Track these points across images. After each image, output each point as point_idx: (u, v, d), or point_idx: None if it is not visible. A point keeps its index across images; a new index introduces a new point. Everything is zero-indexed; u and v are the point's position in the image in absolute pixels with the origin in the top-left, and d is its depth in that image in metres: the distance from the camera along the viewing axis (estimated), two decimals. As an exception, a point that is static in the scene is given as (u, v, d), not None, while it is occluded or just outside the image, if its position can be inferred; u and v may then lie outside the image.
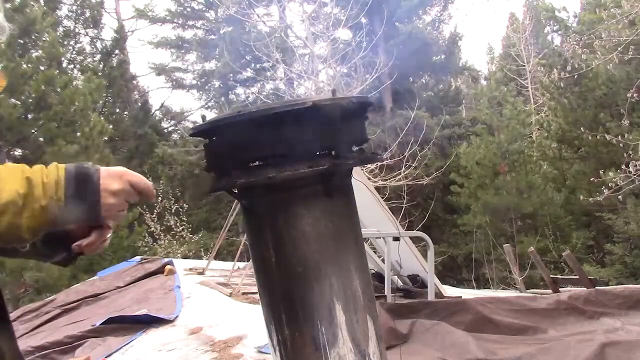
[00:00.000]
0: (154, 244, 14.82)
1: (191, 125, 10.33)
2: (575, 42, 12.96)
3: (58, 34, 15.11)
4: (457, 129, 19.19)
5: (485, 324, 3.84)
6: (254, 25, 18.06)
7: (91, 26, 19.14)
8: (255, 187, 1.22)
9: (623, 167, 10.64)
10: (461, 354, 3.29)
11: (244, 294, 5.61)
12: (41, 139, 10.77)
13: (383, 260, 5.61)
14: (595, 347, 3.13)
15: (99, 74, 15.61)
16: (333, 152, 1.20)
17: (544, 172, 15.47)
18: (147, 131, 19.89)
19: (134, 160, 18.36)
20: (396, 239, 4.83)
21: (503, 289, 12.66)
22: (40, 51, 11.01)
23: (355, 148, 1.29)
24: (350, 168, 1.27)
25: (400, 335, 3.67)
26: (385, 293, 5.00)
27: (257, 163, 1.19)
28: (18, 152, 10.87)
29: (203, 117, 1.31)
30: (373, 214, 5.30)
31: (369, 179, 10.59)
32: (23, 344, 4.72)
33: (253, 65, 20.48)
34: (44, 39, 11.16)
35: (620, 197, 10.91)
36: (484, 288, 13.63)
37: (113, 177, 0.97)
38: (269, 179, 1.14)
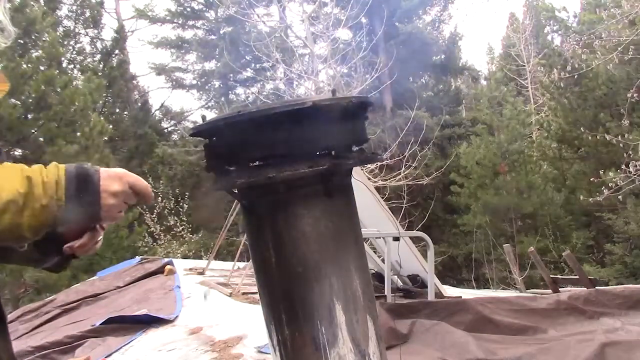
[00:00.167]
0: (154, 244, 14.83)
1: (191, 125, 10.33)
2: (575, 42, 12.97)
3: (58, 34, 15.10)
4: (457, 129, 19.20)
5: (485, 324, 3.84)
6: (254, 25, 18.05)
7: (91, 26, 19.13)
8: (255, 187, 1.21)
9: (623, 167, 10.64)
10: (461, 354, 3.29)
11: (244, 294, 5.61)
12: (41, 139, 10.77)
13: (383, 260, 5.61)
14: (595, 347, 3.13)
15: (99, 74, 15.61)
16: (333, 152, 1.20)
17: (544, 172, 15.47)
18: (147, 131, 19.89)
19: (134, 160, 18.37)
20: (396, 239, 4.83)
21: (503, 289, 12.66)
22: (40, 51, 11.01)
23: (355, 148, 1.28)
24: (350, 168, 1.27)
25: (400, 335, 3.67)
26: (385, 293, 5.00)
27: (257, 163, 1.19)
28: (18, 152, 10.87)
29: (203, 117, 1.31)
30: (373, 214, 5.30)
31: (369, 179, 10.59)
32: (23, 344, 4.73)
33: (253, 65, 20.48)
34: (44, 39, 11.16)
35: (620, 197, 10.92)
36: (484, 288, 13.63)
37: (113, 178, 0.98)
38: (269, 179, 1.14)
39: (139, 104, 21.95)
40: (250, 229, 1.32)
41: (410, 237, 5.83)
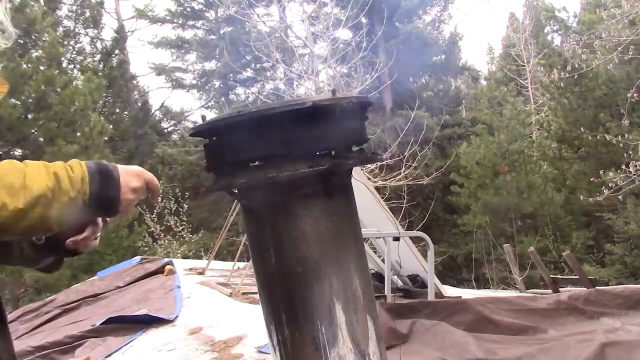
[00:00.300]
0: (154, 244, 14.81)
1: (191, 125, 10.33)
2: (575, 42, 12.97)
3: (58, 34, 15.09)
4: (457, 129, 19.19)
5: (485, 324, 3.84)
6: (254, 25, 18.04)
7: (91, 26, 19.12)
8: (255, 187, 1.21)
9: (623, 167, 10.64)
10: (461, 354, 3.29)
11: (244, 294, 5.61)
12: (41, 139, 10.76)
13: (383, 260, 5.61)
14: (595, 347, 3.12)
15: (99, 74, 15.59)
16: (333, 152, 1.20)
17: (544, 172, 15.47)
18: (147, 131, 19.88)
19: (134, 160, 18.34)
20: (396, 239, 4.83)
21: (503, 289, 12.66)
22: (40, 51, 11.00)
23: (355, 148, 1.28)
24: (350, 168, 1.27)
25: (400, 335, 3.67)
26: (385, 293, 5.00)
27: (257, 163, 1.19)
28: (18, 152, 10.87)
29: (203, 117, 1.31)
30: (373, 214, 5.30)
31: (369, 179, 10.59)
32: (23, 344, 4.73)
33: (253, 65, 20.48)
34: (44, 39, 11.16)
35: (620, 197, 10.92)
36: (484, 288, 13.63)
37: (132, 175, 1.05)
38: (269, 179, 1.14)
39: (139, 104, 21.94)
40: (250, 229, 1.32)
41: (410, 237, 5.83)
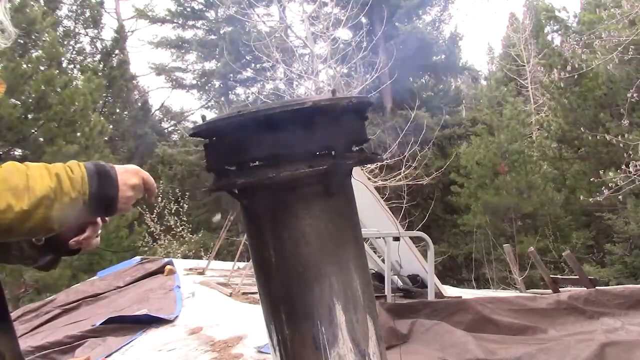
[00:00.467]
0: (154, 244, 14.81)
1: (191, 125, 10.32)
2: (575, 42, 12.96)
3: (58, 34, 15.09)
4: (457, 129, 19.18)
5: (485, 324, 3.84)
6: (254, 25, 18.05)
7: (91, 26, 19.11)
8: (255, 187, 1.21)
9: (623, 167, 10.64)
10: (461, 354, 3.29)
11: (244, 294, 5.62)
12: (41, 139, 10.76)
13: (383, 260, 5.60)
14: (595, 347, 3.12)
15: (99, 74, 15.59)
16: (333, 152, 1.20)
17: (544, 172, 15.47)
18: (147, 131, 19.89)
19: (134, 160, 18.35)
20: (396, 239, 4.83)
21: (503, 289, 12.66)
22: (40, 51, 10.99)
23: (355, 148, 1.28)
24: (350, 168, 1.27)
25: (400, 335, 3.67)
26: (385, 293, 4.99)
27: (257, 163, 1.19)
28: (18, 152, 10.87)
29: (203, 117, 1.31)
30: (373, 214, 5.30)
31: (369, 179, 10.59)
32: (23, 344, 4.71)
33: (253, 65, 20.48)
34: (44, 39, 11.15)
35: (620, 197, 10.91)
36: (484, 288, 13.63)
37: (130, 172, 1.08)
38: (269, 179, 1.14)
39: (139, 104, 21.95)
40: (250, 229, 1.32)
41: (410, 237, 5.83)
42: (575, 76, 12.75)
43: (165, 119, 23.74)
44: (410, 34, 18.73)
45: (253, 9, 14.70)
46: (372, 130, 14.26)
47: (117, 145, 18.66)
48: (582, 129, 12.82)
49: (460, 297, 5.43)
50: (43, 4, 13.34)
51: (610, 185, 10.75)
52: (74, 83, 11.90)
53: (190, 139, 17.14)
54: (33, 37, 11.08)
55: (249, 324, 4.32)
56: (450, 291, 6.29)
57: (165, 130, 22.88)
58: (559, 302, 4.08)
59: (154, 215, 15.04)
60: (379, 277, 5.76)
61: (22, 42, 10.79)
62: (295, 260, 1.21)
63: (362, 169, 6.71)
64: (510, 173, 14.83)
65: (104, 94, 15.68)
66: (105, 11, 20.91)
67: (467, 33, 45.23)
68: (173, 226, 15.22)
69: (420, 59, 18.52)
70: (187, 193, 16.53)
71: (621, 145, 10.72)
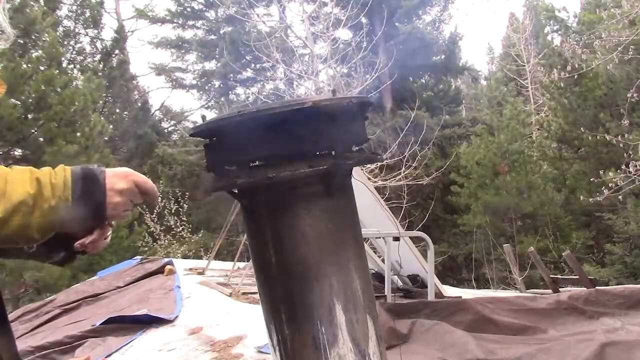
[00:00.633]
0: (154, 244, 14.82)
1: (191, 125, 10.33)
2: (575, 42, 12.96)
3: (58, 34, 15.10)
4: (457, 129, 19.19)
5: (485, 324, 3.84)
6: (254, 25, 18.05)
7: (91, 26, 19.12)
8: (255, 187, 1.21)
9: (623, 167, 10.64)
10: (461, 354, 3.29)
11: (244, 294, 5.62)
12: (41, 139, 10.76)
13: (383, 260, 5.61)
14: (595, 347, 3.12)
15: (99, 74, 15.62)
16: (333, 152, 1.20)
17: (544, 172, 15.48)
18: (147, 131, 19.89)
19: (134, 160, 18.37)
20: (396, 239, 4.83)
21: (503, 289, 12.66)
22: (40, 51, 11.00)
23: (355, 148, 1.28)
24: (350, 168, 1.27)
25: (400, 335, 3.67)
26: (385, 293, 5.00)
27: (257, 163, 1.19)
28: (18, 152, 10.87)
29: (203, 117, 1.31)
30: (373, 214, 5.30)
31: (369, 179, 10.59)
32: (23, 344, 4.72)
33: (253, 65, 20.49)
34: (44, 39, 11.16)
35: (620, 197, 10.91)
36: (484, 288, 13.64)
37: (119, 176, 1.00)
38: (269, 179, 1.14)
39: (139, 104, 21.96)
40: (250, 229, 1.32)
41: (410, 237, 5.83)
42: (575, 76, 12.76)
43: (165, 119, 23.75)
44: (410, 34, 18.73)
45: (253, 9, 14.71)
46: (372, 130, 14.27)
47: (117, 145, 18.67)
48: (582, 129, 12.82)
49: (460, 297, 5.43)
50: (43, 4, 13.34)
51: (610, 185, 10.75)
52: (74, 83, 11.91)
53: (190, 139, 17.15)
54: (33, 37, 11.09)
55: (249, 324, 4.32)
56: (450, 291, 6.30)
57: (165, 130, 22.89)
58: (559, 302, 4.08)
59: (154, 215, 15.06)
60: (379, 277, 5.76)
61: (22, 42, 10.79)
62: (295, 260, 1.21)
63: (362, 169, 6.71)
64: (510, 173, 14.83)
65: (104, 94, 15.69)
66: (105, 11, 20.94)
67: (467, 33, 45.41)
68: (173, 226, 15.24)
69: (420, 59, 18.51)
70: (187, 193, 16.54)
71: (621, 145, 10.72)
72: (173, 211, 15.39)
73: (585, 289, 5.00)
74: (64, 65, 15.00)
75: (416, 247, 5.97)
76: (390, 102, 18.61)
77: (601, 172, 11.20)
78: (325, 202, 1.23)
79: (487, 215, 14.95)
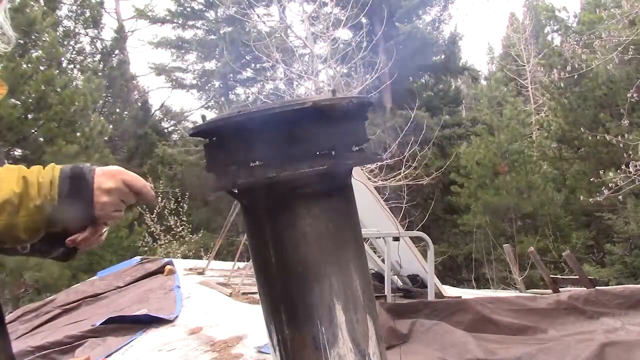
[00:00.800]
0: (154, 244, 14.82)
1: (191, 125, 10.33)
2: (575, 42, 12.95)
3: (58, 34, 15.08)
4: (457, 129, 19.20)
5: (485, 324, 3.84)
6: (254, 25, 18.06)
7: (91, 26, 19.12)
8: (255, 187, 1.21)
9: (623, 167, 10.64)
10: (461, 354, 3.29)
11: (244, 294, 5.62)
12: (41, 139, 10.77)
13: (383, 260, 5.61)
14: (595, 347, 3.12)
15: (99, 74, 15.62)
16: (333, 152, 1.20)
17: (544, 172, 15.48)
18: (147, 131, 19.89)
19: (134, 160, 18.38)
20: (396, 239, 4.83)
21: (503, 289, 12.66)
22: (40, 51, 11.00)
23: (355, 148, 1.28)
24: (350, 168, 1.27)
25: (400, 335, 3.67)
26: (385, 293, 4.99)
27: (257, 163, 1.19)
28: (18, 152, 10.87)
29: (203, 117, 1.31)
30: (373, 214, 5.30)
31: (369, 179, 10.59)
32: (23, 344, 4.73)
33: (253, 65, 20.50)
34: (44, 39, 11.16)
35: (620, 197, 10.91)
36: (484, 288, 13.64)
37: (107, 175, 0.97)
38: (269, 179, 1.14)
39: (139, 104, 21.96)
40: (250, 229, 1.32)
41: (410, 237, 5.83)
42: (575, 76, 12.76)
43: (165, 119, 23.75)
44: (410, 34, 18.74)
45: (253, 9, 14.72)
46: (372, 130, 14.27)
47: (117, 145, 18.67)
48: (582, 129, 12.82)
49: (460, 297, 5.43)
50: (43, 4, 13.33)
51: (610, 185, 10.75)
52: (74, 83, 11.92)
53: (190, 139, 17.15)
54: (33, 37, 11.09)
55: (249, 324, 4.32)
56: (450, 291, 6.30)
57: (165, 130, 22.89)
58: (559, 302, 4.08)
59: (154, 215, 15.06)
60: (379, 277, 5.76)
61: (22, 42, 10.79)
62: (295, 260, 1.21)
63: (362, 169, 6.71)
64: (510, 173, 14.83)
65: (104, 94, 15.70)
66: (105, 11, 20.95)
67: (467, 33, 45.42)
68: (173, 226, 15.24)
69: (420, 59, 18.53)
70: (187, 193, 16.54)
71: (621, 145, 10.72)
72: (173, 211, 15.40)
73: (585, 289, 5.00)
74: (64, 65, 15.01)
75: (416, 247, 5.97)
76: (390, 102, 18.62)
77: (601, 172, 11.20)
78: (325, 202, 1.23)
79: (487, 215, 14.96)
